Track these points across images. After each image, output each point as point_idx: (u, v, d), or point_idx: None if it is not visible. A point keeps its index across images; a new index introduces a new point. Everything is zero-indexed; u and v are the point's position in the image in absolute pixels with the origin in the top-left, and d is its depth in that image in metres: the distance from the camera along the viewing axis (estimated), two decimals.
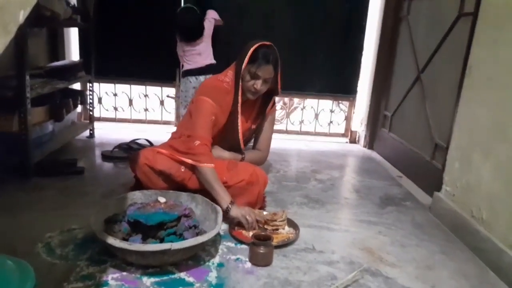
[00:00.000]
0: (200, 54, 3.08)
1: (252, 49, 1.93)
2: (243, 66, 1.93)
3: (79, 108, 3.33)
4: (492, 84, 1.85)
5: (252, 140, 2.28)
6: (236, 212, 1.80)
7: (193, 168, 1.93)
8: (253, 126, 2.17)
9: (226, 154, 2.10)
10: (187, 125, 2.03)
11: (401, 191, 2.56)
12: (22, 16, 0.59)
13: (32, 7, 0.64)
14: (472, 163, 1.94)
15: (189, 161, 1.89)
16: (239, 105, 1.99)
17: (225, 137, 2.08)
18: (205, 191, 1.92)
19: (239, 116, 2.02)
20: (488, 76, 1.89)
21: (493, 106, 1.82)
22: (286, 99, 3.89)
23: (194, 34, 3.04)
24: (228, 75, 2.03)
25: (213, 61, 3.13)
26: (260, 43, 1.96)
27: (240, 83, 1.97)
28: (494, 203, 1.75)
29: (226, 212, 1.78)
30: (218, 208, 1.72)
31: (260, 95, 2.06)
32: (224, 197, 1.81)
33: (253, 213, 1.83)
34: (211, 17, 3.13)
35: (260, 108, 2.17)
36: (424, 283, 1.55)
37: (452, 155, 2.13)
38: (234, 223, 1.82)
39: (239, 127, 2.04)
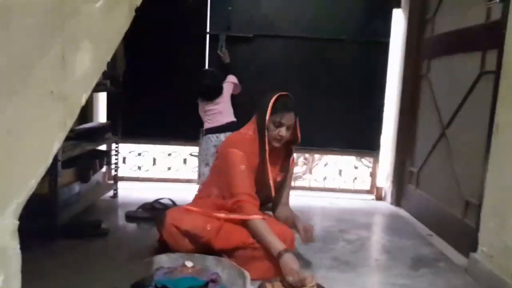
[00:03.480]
0: (221, 112, 3.17)
1: (272, 100, 2.01)
2: (267, 118, 2.00)
3: (103, 168, 3.39)
4: None
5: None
6: (282, 266, 1.77)
7: (219, 228, 1.92)
8: (279, 179, 2.19)
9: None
10: (218, 182, 2.08)
11: (432, 251, 2.46)
12: (84, 99, 0.62)
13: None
14: (508, 223, 1.86)
15: (238, 216, 1.94)
16: (267, 154, 2.03)
17: (256, 189, 2.08)
18: (229, 252, 1.89)
19: (268, 164, 2.05)
20: None
21: None
22: (307, 155, 3.88)
23: (212, 93, 3.16)
24: (250, 128, 2.11)
25: (234, 119, 3.20)
26: (278, 93, 2.05)
27: (266, 133, 2.02)
28: None
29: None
30: (246, 273, 1.67)
31: (282, 146, 2.10)
32: (275, 246, 1.82)
33: (297, 273, 1.75)
34: (231, 81, 3.26)
35: (284, 160, 2.22)
36: None
37: (486, 214, 2.05)
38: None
39: (269, 175, 2.06)
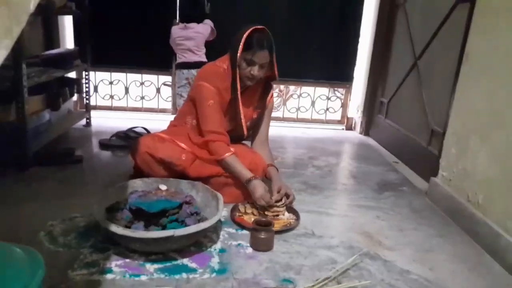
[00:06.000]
0: (190, 50, 3.14)
1: (245, 35, 1.90)
2: (238, 54, 1.91)
3: (75, 97, 3.31)
4: (488, 71, 1.87)
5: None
6: (251, 192, 1.85)
7: (194, 158, 1.95)
8: (255, 116, 2.15)
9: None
10: (193, 112, 2.06)
11: (397, 176, 2.59)
12: (32, 5, 0.59)
13: None
14: (468, 149, 1.96)
15: (208, 157, 1.96)
16: (239, 92, 1.99)
17: (228, 125, 2.07)
18: (204, 180, 1.94)
19: (240, 103, 2.01)
20: (485, 63, 1.90)
21: (490, 93, 1.84)
22: (282, 86, 3.89)
23: (195, 11, 3.13)
24: (225, 61, 2.02)
25: (204, 60, 3.14)
26: (253, 28, 1.92)
27: (237, 71, 1.96)
28: (490, 187, 1.79)
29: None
30: (219, 195, 1.73)
31: (259, 82, 2.06)
32: (244, 175, 1.89)
33: (264, 197, 1.83)
34: (208, 24, 3.17)
35: (261, 97, 2.16)
36: (422, 266, 1.58)
37: (448, 140, 2.15)
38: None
39: (241, 114, 2.03)
